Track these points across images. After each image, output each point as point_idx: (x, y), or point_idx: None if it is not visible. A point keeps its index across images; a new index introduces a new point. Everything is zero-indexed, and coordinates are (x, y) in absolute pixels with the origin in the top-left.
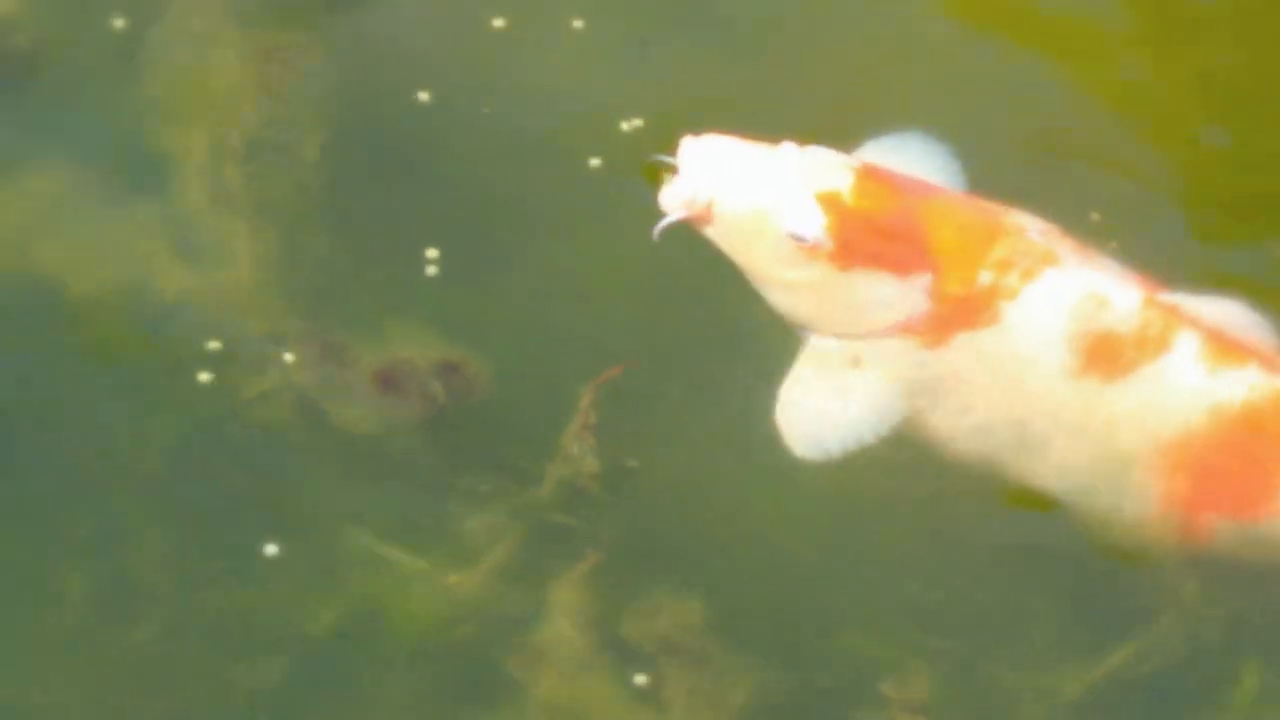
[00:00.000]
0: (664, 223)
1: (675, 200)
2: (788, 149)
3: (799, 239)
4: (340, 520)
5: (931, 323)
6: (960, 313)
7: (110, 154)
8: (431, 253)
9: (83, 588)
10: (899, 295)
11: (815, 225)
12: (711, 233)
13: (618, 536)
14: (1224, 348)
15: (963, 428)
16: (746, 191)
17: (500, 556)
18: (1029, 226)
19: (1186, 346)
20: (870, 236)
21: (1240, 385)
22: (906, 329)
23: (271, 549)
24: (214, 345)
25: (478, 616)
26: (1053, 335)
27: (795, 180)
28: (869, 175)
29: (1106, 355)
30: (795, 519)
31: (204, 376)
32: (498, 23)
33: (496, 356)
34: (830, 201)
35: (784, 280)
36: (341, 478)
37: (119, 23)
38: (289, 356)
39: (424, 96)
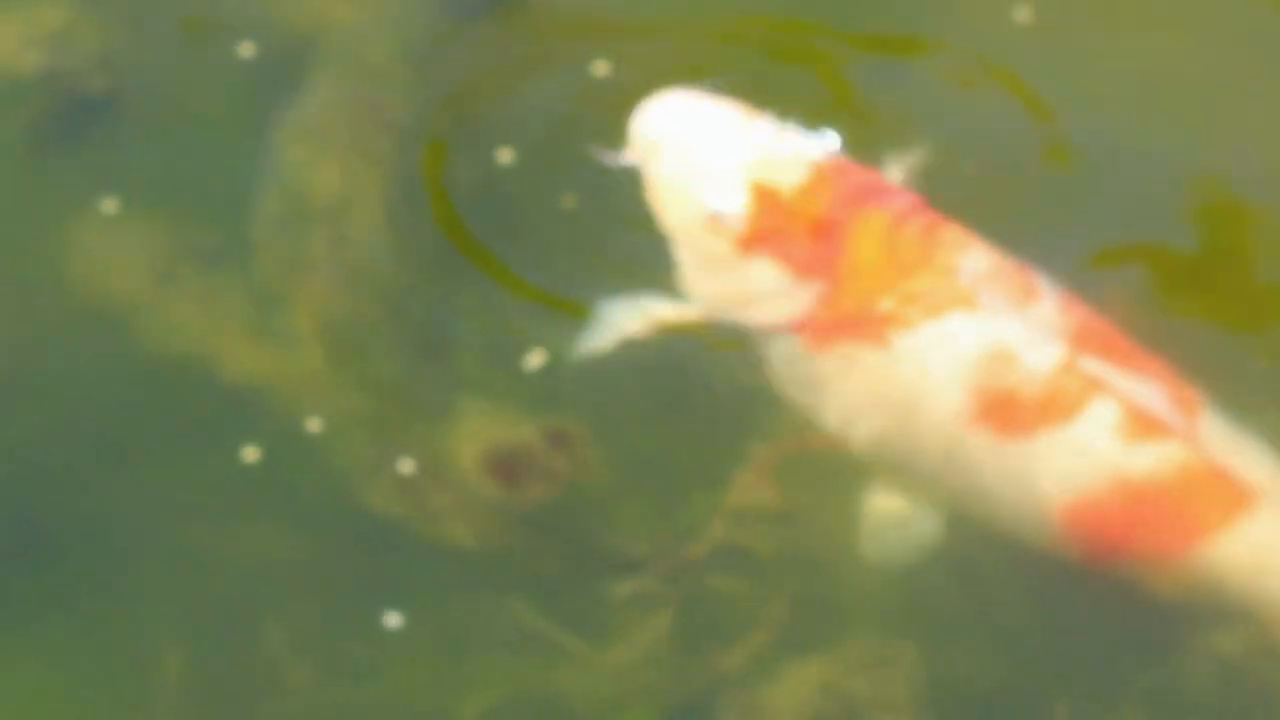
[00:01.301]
0: (610, 157)
1: (623, 145)
2: (760, 125)
3: (716, 215)
4: (477, 600)
5: (814, 328)
6: (845, 327)
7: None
8: None
9: (204, 667)
10: (788, 293)
11: (732, 205)
12: (648, 179)
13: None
14: (1146, 424)
15: (854, 428)
16: (686, 151)
17: (660, 629)
18: (967, 268)
19: (1101, 415)
20: (783, 232)
21: (1151, 457)
22: (789, 327)
23: (396, 622)
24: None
25: (644, 696)
26: (943, 375)
27: (737, 158)
28: (823, 176)
29: (1003, 410)
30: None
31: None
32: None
33: (595, 423)
34: (763, 191)
35: (688, 243)
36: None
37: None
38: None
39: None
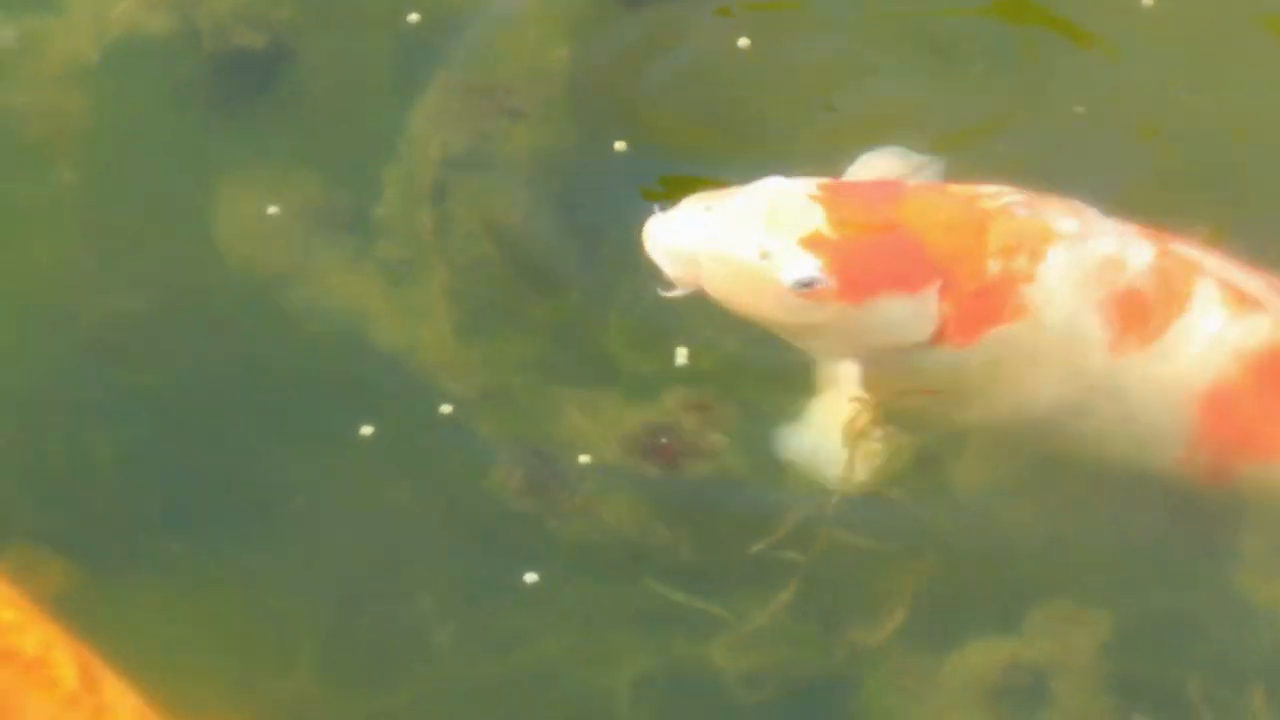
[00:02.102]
0: (669, 294)
1: (668, 279)
2: (748, 196)
3: (804, 287)
4: (619, 571)
5: (957, 326)
6: (982, 308)
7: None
8: None
9: (346, 632)
10: (918, 310)
11: (812, 270)
12: (714, 299)
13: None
14: (1238, 292)
15: (999, 414)
16: (730, 259)
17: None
18: (1012, 203)
19: (1206, 294)
20: (868, 262)
21: (1259, 327)
22: (936, 339)
23: (539, 592)
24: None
25: (792, 666)
26: (1081, 310)
27: (772, 230)
28: (836, 201)
29: (1136, 316)
30: None
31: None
32: None
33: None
34: (815, 241)
35: (804, 326)
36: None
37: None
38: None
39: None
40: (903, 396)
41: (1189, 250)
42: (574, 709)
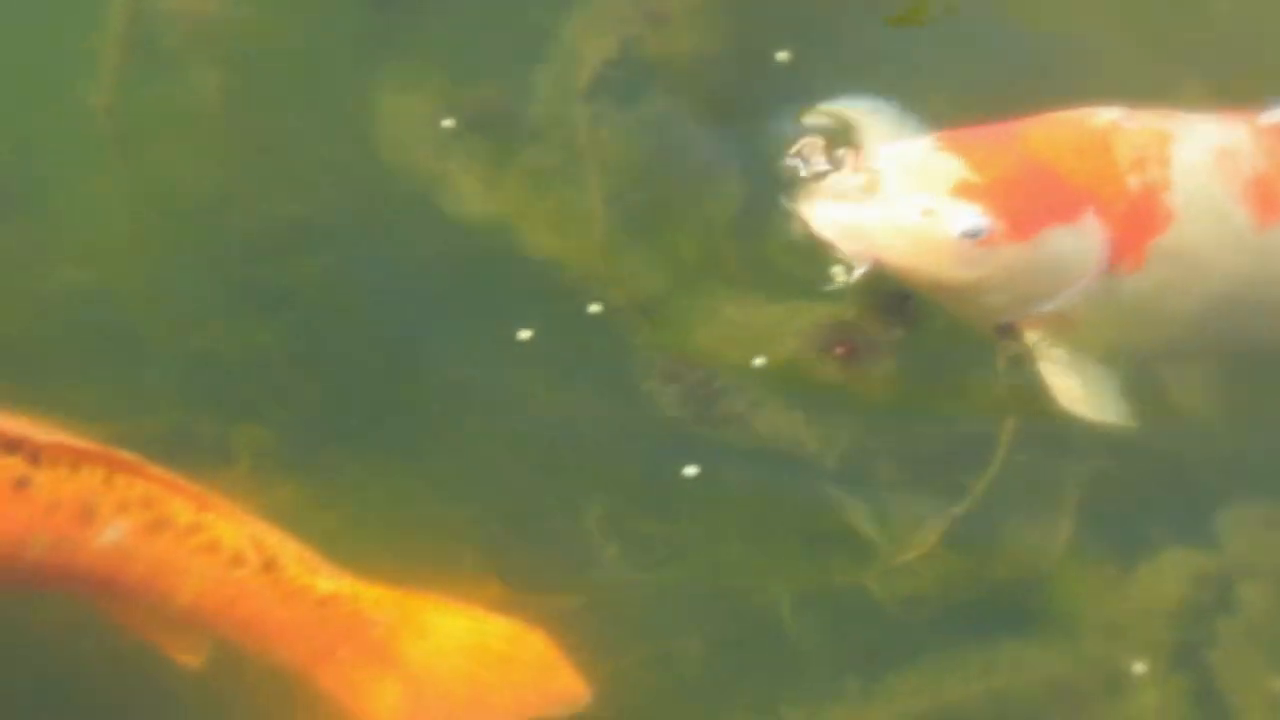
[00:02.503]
0: (857, 275)
1: (851, 261)
2: (886, 162)
3: (973, 236)
4: (781, 485)
5: (1122, 248)
6: (1137, 224)
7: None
8: None
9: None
10: (1083, 240)
11: (976, 216)
12: (891, 274)
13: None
14: None
15: (1176, 328)
16: (896, 225)
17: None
18: (1115, 118)
19: None
20: (1023, 199)
21: None
22: (1107, 267)
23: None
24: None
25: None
26: (1218, 199)
27: (924, 188)
28: (966, 147)
29: (1264, 192)
30: None
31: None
32: None
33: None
34: (967, 189)
35: (978, 283)
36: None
37: None
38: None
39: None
40: (1091, 336)
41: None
42: (736, 621)
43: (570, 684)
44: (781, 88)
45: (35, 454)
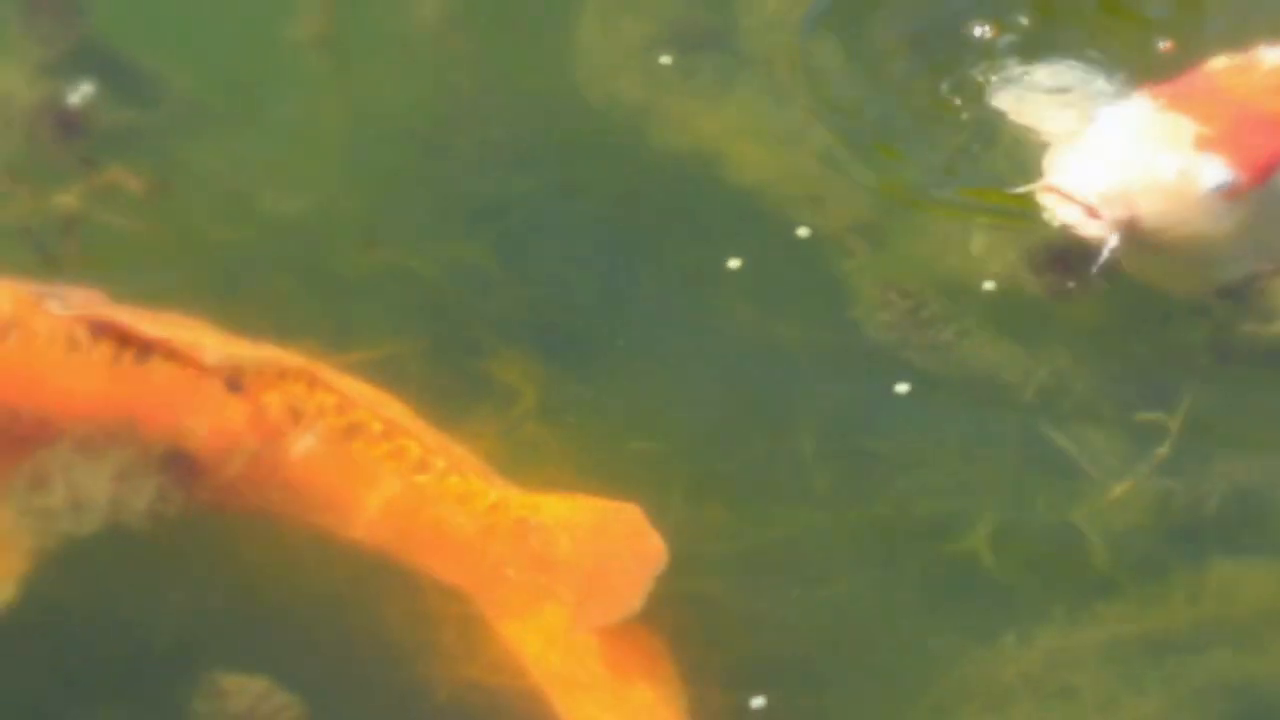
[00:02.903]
0: (1103, 259)
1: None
2: (1123, 125)
3: (1221, 187)
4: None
5: None
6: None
7: None
8: None
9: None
10: None
11: (1221, 168)
12: (1137, 242)
13: None
14: None
15: None
16: (1158, 183)
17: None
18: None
19: None
20: (1253, 144)
21: None
22: None
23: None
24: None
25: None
26: None
27: (1172, 147)
28: (1186, 103)
29: None
30: None
31: None
32: None
33: None
34: (1206, 142)
35: (1224, 235)
36: None
37: None
38: None
39: None
40: None
41: None
42: (939, 550)
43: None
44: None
45: (239, 365)
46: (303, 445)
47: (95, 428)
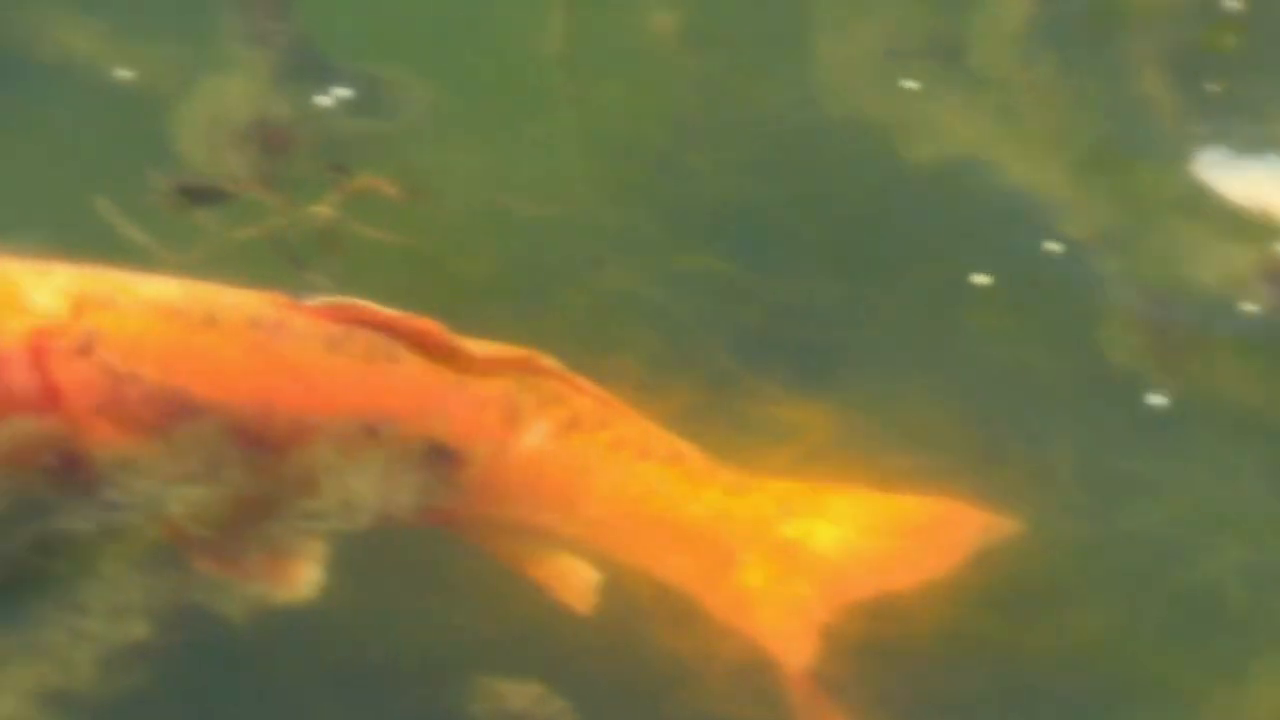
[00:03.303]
0: None
1: None
2: None
3: None
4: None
5: None
6: None
7: None
8: None
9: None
10: None
11: None
12: None
13: None
14: None
15: None
16: None
17: None
18: None
19: None
20: None
21: None
22: None
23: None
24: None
25: None
26: None
27: None
28: None
29: None
30: None
31: None
32: None
33: None
34: None
35: None
36: None
37: None
38: None
39: None
40: None
41: None
42: (1184, 580)
43: (988, 521)
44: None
45: (469, 361)
46: (533, 439)
47: (355, 425)
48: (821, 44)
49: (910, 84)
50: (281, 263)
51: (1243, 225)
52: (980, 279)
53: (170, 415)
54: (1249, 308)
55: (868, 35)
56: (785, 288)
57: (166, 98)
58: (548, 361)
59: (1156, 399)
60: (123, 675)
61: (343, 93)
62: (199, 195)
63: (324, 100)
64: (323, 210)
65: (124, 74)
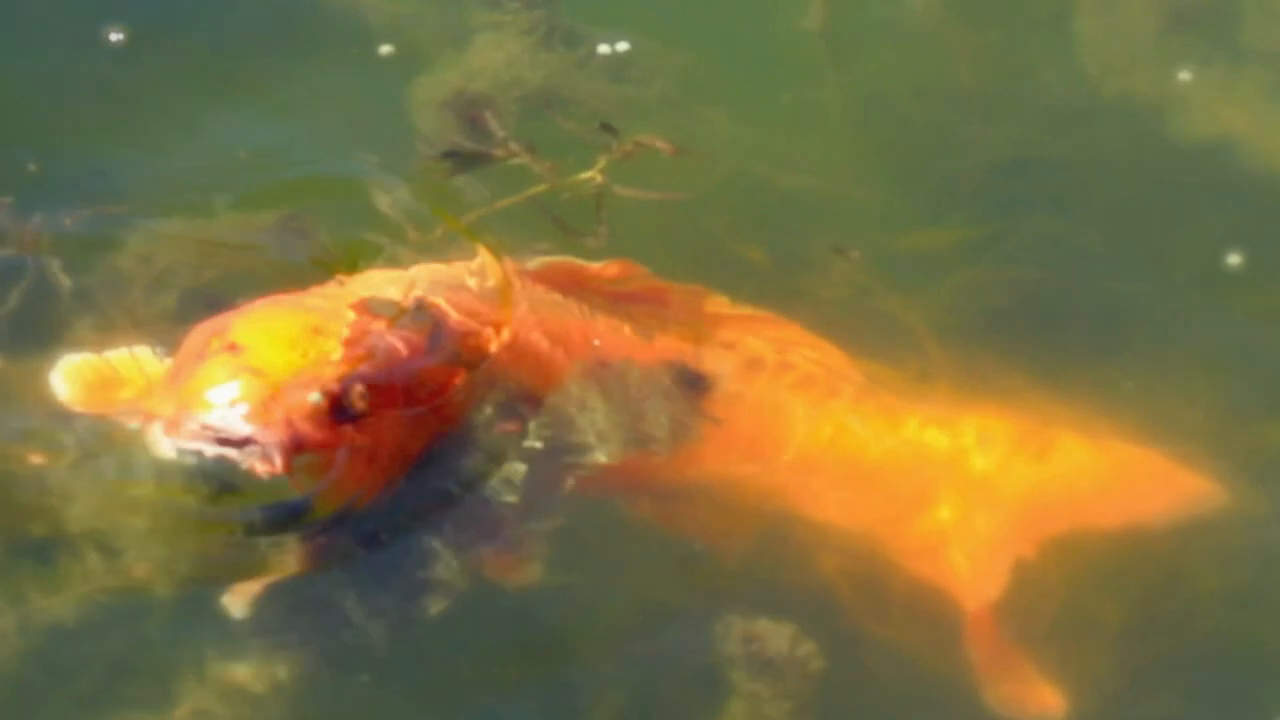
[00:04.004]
0: None
1: None
2: None
3: None
4: None
5: None
6: None
7: None
8: None
9: None
10: None
11: None
12: None
13: None
14: None
15: None
16: None
17: None
18: None
19: None
20: None
21: None
22: None
23: None
24: None
25: None
26: None
27: None
28: None
29: None
30: None
31: None
32: None
33: None
34: None
35: None
36: None
37: None
38: None
39: None
40: None
41: None
42: None
43: (1201, 487)
44: None
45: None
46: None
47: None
48: (1086, 18)
49: (1180, 61)
50: (546, 226)
51: None
52: (1234, 259)
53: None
54: None
55: (1135, 8)
56: (1047, 260)
57: (428, 64)
58: (721, 300)
59: None
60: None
61: (607, 49)
62: (465, 161)
63: (589, 62)
64: (593, 175)
65: (386, 48)
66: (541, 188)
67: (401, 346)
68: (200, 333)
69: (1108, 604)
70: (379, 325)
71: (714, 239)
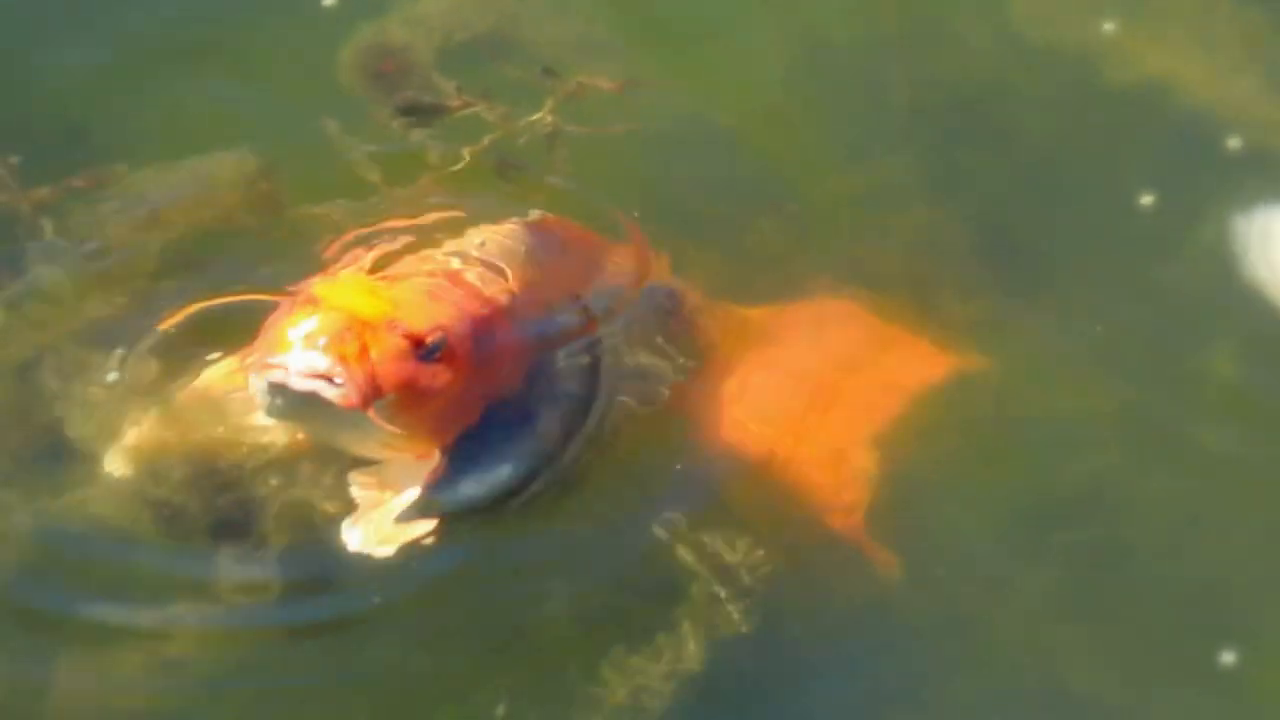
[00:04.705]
0: None
1: None
2: None
3: None
4: None
5: None
6: None
7: None
8: None
9: None
10: None
11: None
12: None
13: None
14: None
15: None
16: None
17: None
18: None
19: None
20: None
21: None
22: None
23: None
24: None
25: None
26: None
27: None
28: None
29: None
30: None
31: None
32: None
33: None
34: None
35: None
36: None
37: None
38: None
39: None
40: None
41: None
42: None
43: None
44: None
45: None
46: None
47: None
48: None
49: (1107, 22)
50: (506, 172)
51: None
52: (1147, 199)
53: None
54: None
55: None
56: (965, 200)
57: (370, 16)
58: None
59: None
60: None
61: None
62: (419, 113)
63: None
64: (543, 116)
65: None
66: (497, 134)
67: (481, 304)
68: (286, 301)
69: None
70: (464, 280)
71: (663, 179)
